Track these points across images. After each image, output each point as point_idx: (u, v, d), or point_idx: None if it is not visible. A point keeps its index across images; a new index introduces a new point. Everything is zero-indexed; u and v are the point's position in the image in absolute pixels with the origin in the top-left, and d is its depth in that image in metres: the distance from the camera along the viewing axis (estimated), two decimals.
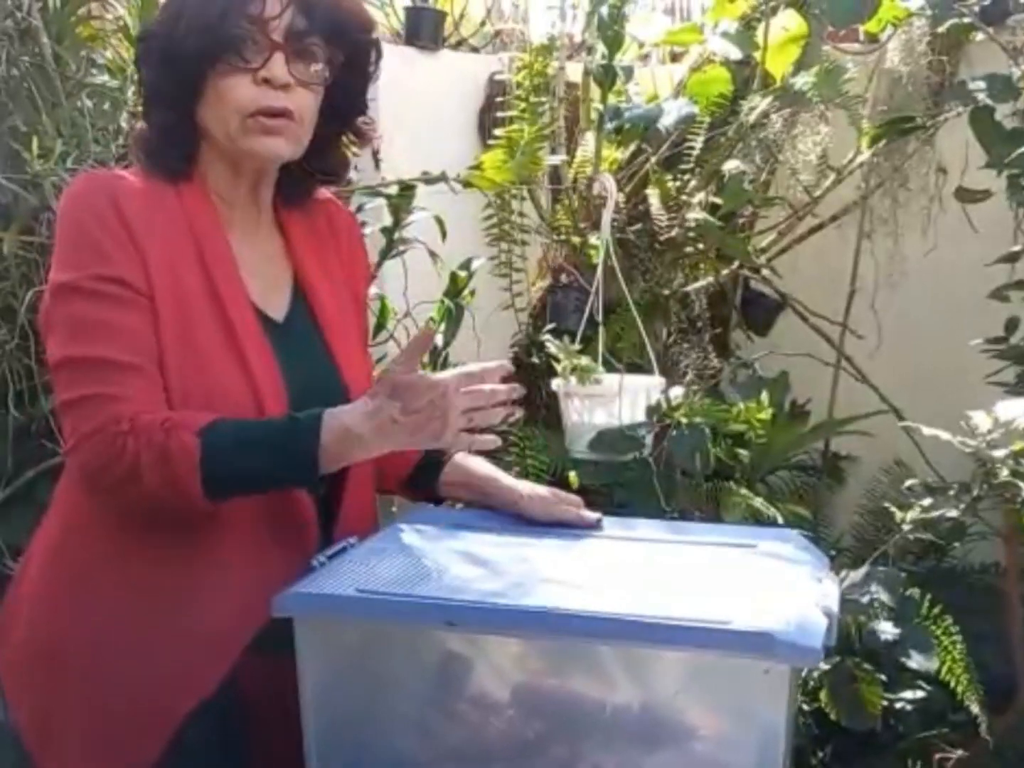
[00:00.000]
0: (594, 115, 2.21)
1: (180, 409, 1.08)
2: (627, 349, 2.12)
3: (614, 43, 2.10)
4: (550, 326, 2.14)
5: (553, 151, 2.27)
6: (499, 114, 2.23)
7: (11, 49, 1.76)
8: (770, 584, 1.03)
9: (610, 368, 1.95)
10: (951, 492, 1.74)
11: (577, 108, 2.35)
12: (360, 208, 1.90)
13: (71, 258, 1.09)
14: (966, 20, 1.95)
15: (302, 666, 1.01)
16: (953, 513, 1.72)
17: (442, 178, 1.88)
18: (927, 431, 1.72)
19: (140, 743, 1.09)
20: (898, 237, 2.37)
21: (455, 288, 1.98)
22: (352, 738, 1.03)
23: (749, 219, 2.42)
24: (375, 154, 2.14)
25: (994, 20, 2.11)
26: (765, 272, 2.44)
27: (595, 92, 2.22)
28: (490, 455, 1.84)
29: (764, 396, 2.02)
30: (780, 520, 1.93)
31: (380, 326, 1.90)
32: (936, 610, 1.78)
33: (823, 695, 1.73)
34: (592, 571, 1.10)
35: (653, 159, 2.31)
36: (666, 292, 2.31)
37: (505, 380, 1.08)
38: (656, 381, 1.91)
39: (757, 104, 2.17)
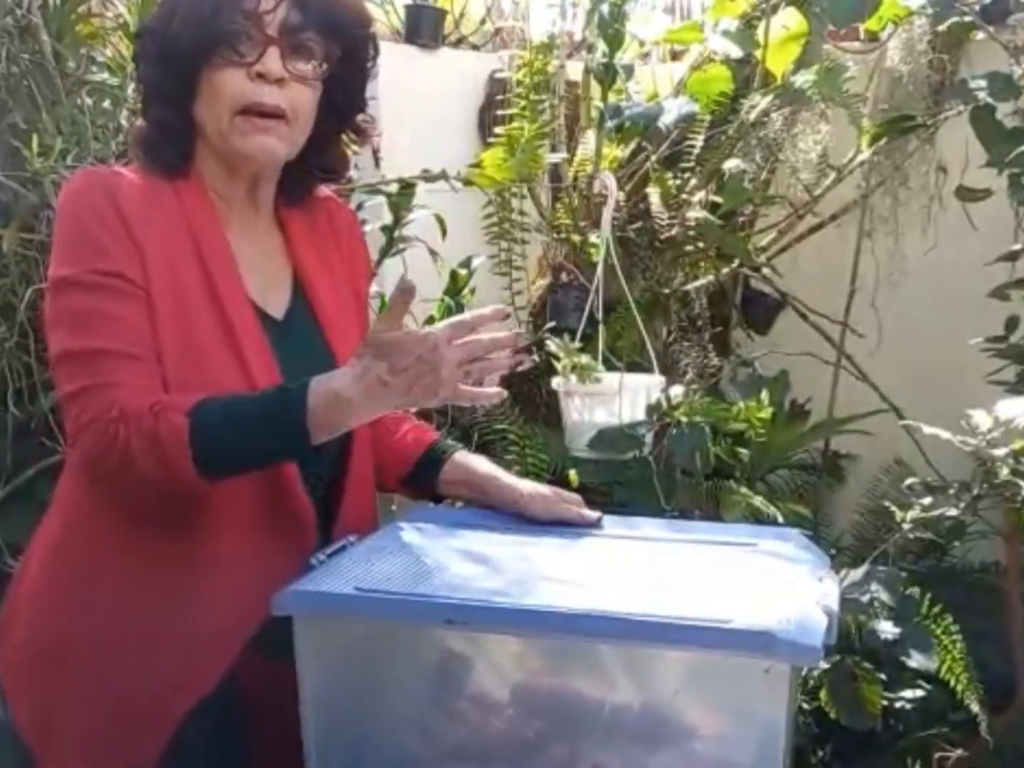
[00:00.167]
0: (594, 113, 2.21)
1: None
2: (627, 348, 2.12)
3: (614, 41, 2.09)
4: (550, 324, 2.13)
5: (553, 149, 2.27)
6: (499, 112, 2.24)
7: (11, 46, 1.76)
8: (770, 583, 1.03)
9: (610, 367, 1.95)
10: (951, 491, 1.74)
11: (577, 106, 2.35)
12: (360, 206, 1.90)
13: (70, 254, 1.09)
14: (967, 19, 1.95)
15: (301, 665, 1.01)
16: (953, 512, 1.72)
17: (442, 176, 1.88)
18: (927, 430, 1.72)
19: (140, 742, 1.09)
20: (898, 236, 2.36)
21: (455, 286, 1.98)
22: (351, 737, 1.03)
23: (749, 218, 2.42)
24: (375, 152, 2.14)
25: (995, 19, 2.11)
26: (765, 271, 2.44)
27: (595, 90, 2.22)
28: (490, 453, 1.85)
29: (764, 395, 2.02)
30: (780, 519, 1.93)
31: None
32: (936, 609, 1.78)
33: (823, 694, 1.73)
34: (592, 570, 1.10)
35: (653, 157, 2.31)
36: (666, 291, 2.31)
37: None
38: (656, 380, 1.91)
39: (757, 103, 2.17)
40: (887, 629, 1.72)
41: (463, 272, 1.98)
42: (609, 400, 1.85)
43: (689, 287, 2.35)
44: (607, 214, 1.98)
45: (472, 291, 1.99)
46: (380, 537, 1.16)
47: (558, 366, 1.89)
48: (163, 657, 1.09)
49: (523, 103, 2.17)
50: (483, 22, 2.73)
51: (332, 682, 1.03)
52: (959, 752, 1.89)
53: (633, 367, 2.02)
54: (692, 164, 2.28)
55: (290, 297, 1.20)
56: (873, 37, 2.30)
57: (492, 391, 1.07)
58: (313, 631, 1.01)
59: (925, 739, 1.95)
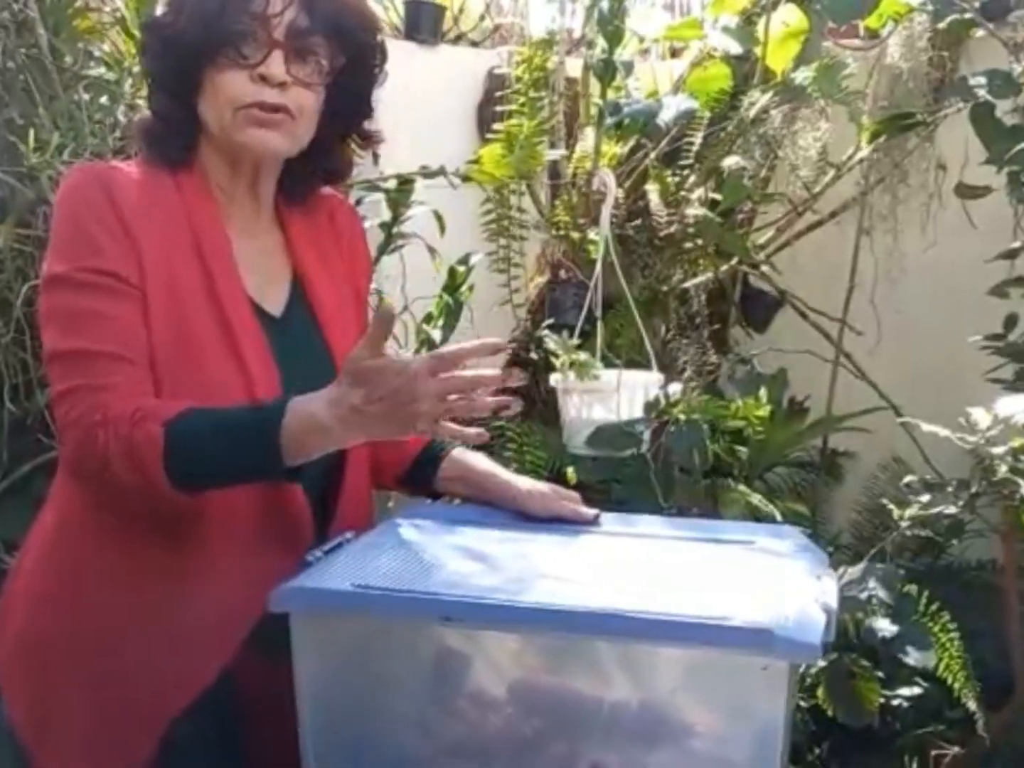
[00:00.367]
0: (593, 110, 2.21)
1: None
2: (626, 345, 2.12)
3: (614, 38, 2.09)
4: (548, 322, 2.13)
5: (552, 146, 2.26)
6: (498, 109, 2.23)
7: (8, 41, 1.76)
8: (768, 581, 1.02)
9: (608, 364, 1.95)
10: (949, 489, 1.74)
11: (576, 103, 2.34)
12: (358, 202, 1.89)
13: (64, 251, 1.09)
14: (967, 16, 1.95)
15: (298, 662, 1.01)
16: (951, 510, 1.72)
17: (441, 172, 1.87)
18: (926, 427, 1.72)
19: (134, 740, 1.08)
20: (897, 233, 2.36)
21: (453, 283, 1.98)
22: (349, 735, 1.03)
23: (748, 215, 2.42)
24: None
25: (995, 16, 2.11)
26: (764, 268, 2.44)
27: (595, 87, 2.22)
28: (488, 450, 1.84)
29: (763, 393, 2.02)
30: (778, 517, 1.93)
31: None
32: (934, 607, 1.78)
33: (820, 691, 1.73)
34: (590, 567, 1.09)
35: (653, 155, 2.30)
36: (665, 288, 2.31)
37: (509, 363, 1.02)
38: (654, 377, 1.91)
39: (757, 100, 2.17)
40: (885, 627, 1.72)
41: (461, 269, 1.97)
42: (607, 397, 1.85)
43: (688, 284, 2.35)
44: (606, 211, 1.98)
45: (470, 288, 1.99)
46: (377, 534, 1.15)
47: (556, 363, 1.89)
48: (157, 655, 1.08)
49: (522, 100, 2.17)
50: (482, 18, 2.73)
51: (329, 679, 1.03)
52: (956, 750, 1.89)
53: (631, 364, 2.02)
54: (691, 161, 2.28)
55: (288, 295, 1.19)
56: (873, 34, 2.30)
57: (473, 432, 1.04)
58: (310, 628, 1.01)
59: (922, 737, 1.96)
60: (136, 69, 1.83)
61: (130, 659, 1.09)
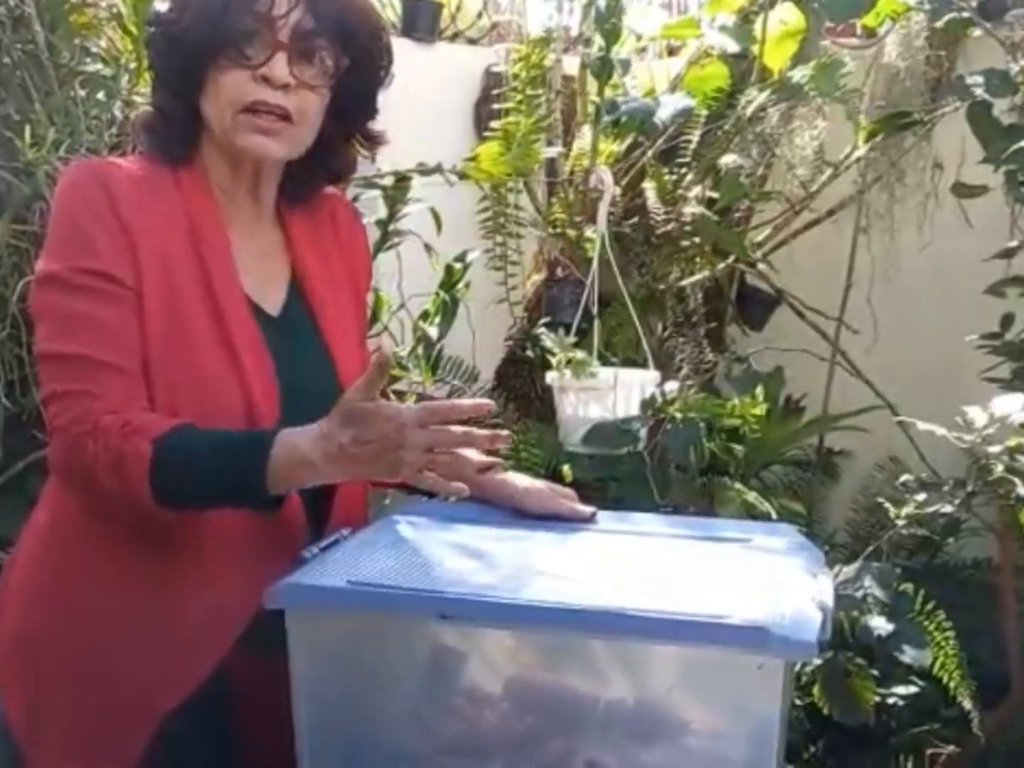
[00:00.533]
0: (591, 108, 2.21)
1: (167, 402, 1.07)
2: (622, 343, 2.12)
3: (611, 36, 2.09)
4: (545, 319, 2.13)
5: (549, 144, 2.26)
6: (495, 106, 2.23)
7: (4, 37, 1.75)
8: (765, 579, 1.02)
9: (605, 362, 1.95)
10: (945, 488, 1.75)
11: (574, 101, 2.34)
12: (355, 199, 1.89)
13: (59, 248, 1.09)
14: (964, 15, 1.95)
15: (294, 659, 1.01)
16: (947, 509, 1.72)
17: (438, 170, 1.87)
18: (922, 426, 1.72)
19: (126, 738, 1.08)
20: (894, 232, 2.37)
21: (450, 281, 1.97)
22: (344, 732, 1.03)
23: (745, 213, 2.42)
24: None
25: (992, 15, 2.11)
26: (761, 267, 2.44)
27: (592, 85, 2.22)
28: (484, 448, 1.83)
29: (759, 391, 2.02)
30: (774, 515, 1.93)
31: (374, 318, 1.89)
32: (929, 606, 1.78)
33: (816, 690, 1.73)
34: (587, 565, 1.09)
35: (650, 153, 2.30)
36: (662, 286, 2.30)
37: (493, 425, 1.02)
38: (651, 375, 1.91)
39: (754, 98, 2.17)
40: (880, 625, 1.72)
41: (458, 266, 1.97)
42: (604, 395, 1.85)
43: (685, 283, 2.35)
44: (603, 209, 1.98)
45: (467, 285, 1.99)
46: (373, 531, 1.15)
47: (553, 361, 1.89)
48: (150, 654, 1.08)
49: (519, 97, 2.16)
50: (479, 16, 2.73)
51: (325, 677, 1.03)
52: (951, 748, 1.90)
53: (628, 362, 2.02)
54: (688, 159, 2.28)
55: (287, 294, 1.19)
56: (870, 33, 2.30)
57: (456, 486, 1.02)
58: (305, 625, 1.01)
59: (918, 735, 1.96)
60: (132, 65, 1.83)
61: (122, 658, 1.08)
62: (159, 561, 1.09)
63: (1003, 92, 1.85)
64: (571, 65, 2.34)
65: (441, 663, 1.02)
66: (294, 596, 0.99)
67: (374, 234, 1.89)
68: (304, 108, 1.11)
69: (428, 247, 1.94)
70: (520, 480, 1.26)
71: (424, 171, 1.88)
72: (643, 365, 1.96)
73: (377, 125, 1.24)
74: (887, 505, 1.82)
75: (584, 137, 2.26)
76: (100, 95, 1.83)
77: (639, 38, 2.42)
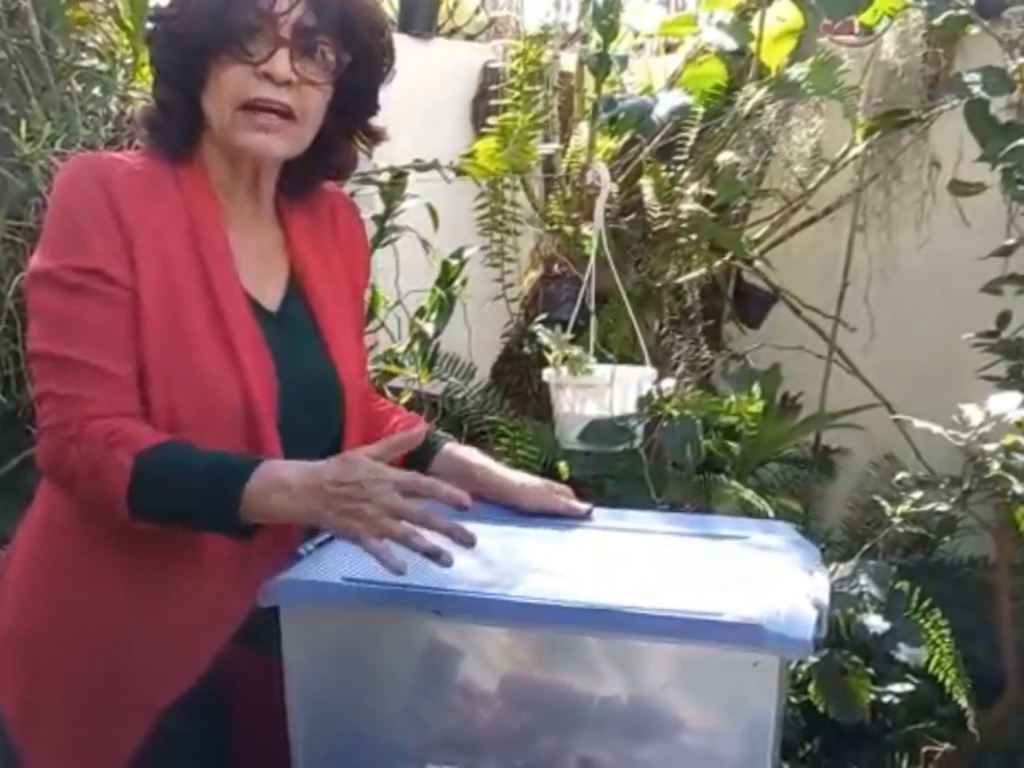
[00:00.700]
0: (588, 105, 2.21)
1: (166, 400, 1.06)
2: (619, 340, 2.12)
3: (609, 33, 2.09)
4: (542, 316, 2.13)
5: (546, 140, 2.26)
6: (492, 103, 2.23)
7: (0, 32, 1.74)
8: (760, 576, 1.02)
9: (602, 359, 1.95)
10: (941, 486, 1.75)
11: (571, 98, 2.34)
12: (352, 196, 1.89)
13: (53, 245, 1.08)
14: (962, 12, 1.94)
15: (288, 656, 1.01)
16: (943, 507, 1.72)
17: (434, 166, 1.87)
18: (918, 424, 1.72)
19: (120, 735, 1.08)
20: (891, 230, 2.37)
21: (447, 277, 1.97)
22: (338, 729, 1.03)
23: (742, 211, 2.42)
24: None
25: (990, 13, 2.10)
26: (758, 264, 2.44)
27: (589, 82, 2.21)
28: (480, 445, 1.84)
29: (756, 389, 2.01)
30: (771, 513, 1.93)
31: (371, 315, 1.89)
32: (925, 604, 1.78)
33: (812, 687, 1.73)
34: (582, 562, 1.09)
35: (647, 150, 2.30)
36: (659, 283, 2.30)
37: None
38: (648, 372, 1.90)
39: (752, 95, 2.17)
40: (876, 623, 1.72)
41: (455, 263, 1.97)
42: (600, 392, 1.85)
43: (681, 280, 2.35)
44: (600, 206, 1.98)
45: (464, 282, 1.99)
46: None
47: (549, 358, 1.89)
48: (144, 652, 1.08)
49: (516, 94, 2.16)
50: (477, 12, 2.72)
51: (319, 674, 1.03)
52: (947, 746, 1.89)
53: (625, 359, 2.02)
54: (686, 157, 2.27)
55: (285, 290, 1.19)
56: (868, 30, 2.30)
57: (394, 562, 0.97)
58: (300, 622, 1.00)
59: (913, 733, 1.96)
60: (129, 60, 1.83)
61: (117, 655, 1.08)
62: (154, 558, 1.09)
63: (1000, 90, 1.85)
64: (569, 62, 2.34)
65: (436, 660, 1.02)
66: (289, 592, 0.99)
67: (371, 230, 1.89)
68: (305, 105, 1.11)
69: (425, 243, 1.94)
70: (516, 477, 1.25)
71: (421, 167, 1.88)
72: (640, 362, 1.96)
73: (377, 121, 1.24)
74: (883, 503, 1.82)
75: (581, 134, 2.26)
76: (96, 90, 1.82)
77: (637, 35, 2.42)
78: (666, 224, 2.25)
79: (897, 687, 1.92)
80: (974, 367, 1.93)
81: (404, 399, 1.94)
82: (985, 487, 1.68)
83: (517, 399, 2.27)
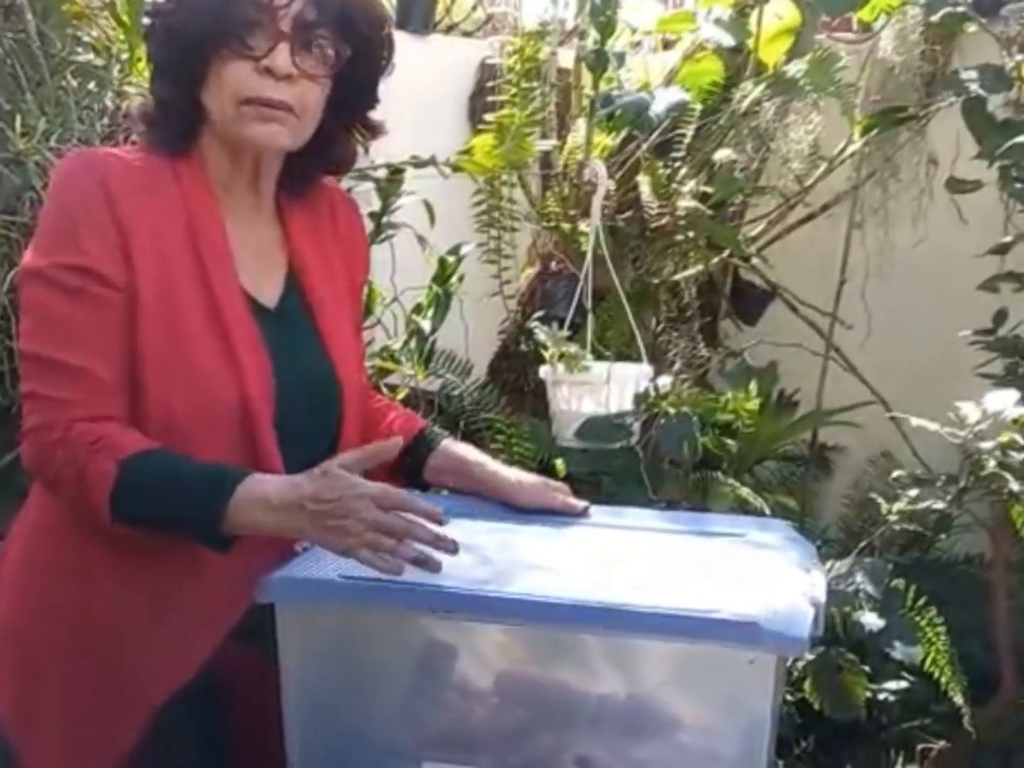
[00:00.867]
0: (585, 102, 2.20)
1: (162, 398, 1.06)
2: (616, 337, 2.11)
3: (606, 29, 2.08)
4: (539, 313, 2.13)
5: (544, 137, 2.25)
6: (490, 99, 2.22)
7: None
8: (757, 574, 1.02)
9: (599, 356, 1.94)
10: (938, 484, 1.75)
11: (568, 94, 2.33)
12: (349, 192, 1.88)
13: (47, 242, 1.08)
14: (960, 10, 1.94)
15: (284, 653, 1.00)
16: (940, 505, 1.73)
17: (431, 162, 1.86)
18: (915, 422, 1.72)
19: (115, 732, 1.08)
20: (889, 228, 2.36)
21: (443, 274, 1.97)
22: (334, 726, 1.03)
23: (740, 208, 2.41)
24: None
25: (988, 10, 2.10)
26: (755, 261, 2.44)
27: (587, 78, 2.21)
28: (477, 442, 1.84)
29: (753, 386, 2.01)
30: (767, 511, 1.93)
31: (367, 311, 1.88)
32: (921, 601, 1.78)
33: (807, 685, 1.73)
34: (579, 559, 1.09)
35: (644, 147, 2.30)
36: (656, 281, 2.30)
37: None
38: (645, 370, 1.90)
39: (749, 92, 2.16)
40: (872, 621, 1.72)
41: (451, 260, 1.97)
42: (597, 390, 1.85)
43: (679, 277, 2.35)
44: (597, 203, 1.98)
45: (461, 279, 1.98)
46: None
47: (546, 355, 1.88)
48: (142, 646, 1.08)
49: (514, 90, 2.15)
50: (474, 8, 2.72)
51: (315, 671, 1.02)
52: (942, 744, 1.90)
53: (621, 357, 2.02)
54: (683, 154, 2.27)
55: (283, 287, 1.18)
56: (866, 27, 2.30)
57: (394, 564, 0.97)
58: (296, 619, 1.00)
59: (908, 731, 1.96)
60: (125, 55, 1.82)
61: (114, 651, 1.08)
62: (150, 554, 1.08)
63: (998, 88, 1.85)
64: (566, 58, 2.33)
65: (432, 657, 1.02)
66: (285, 589, 0.99)
67: (367, 227, 1.88)
68: (305, 99, 1.11)
69: (422, 240, 1.94)
70: (513, 474, 1.25)
71: (418, 163, 1.87)
72: (637, 359, 1.96)
73: (375, 115, 1.24)
74: (880, 500, 1.82)
75: (579, 131, 2.25)
76: (92, 85, 1.81)
77: (634, 32, 2.41)
78: (663, 221, 2.24)
79: (893, 684, 1.92)
80: (971, 364, 1.93)
81: (400, 396, 1.93)
82: (981, 485, 1.68)
83: (514, 396, 2.27)
